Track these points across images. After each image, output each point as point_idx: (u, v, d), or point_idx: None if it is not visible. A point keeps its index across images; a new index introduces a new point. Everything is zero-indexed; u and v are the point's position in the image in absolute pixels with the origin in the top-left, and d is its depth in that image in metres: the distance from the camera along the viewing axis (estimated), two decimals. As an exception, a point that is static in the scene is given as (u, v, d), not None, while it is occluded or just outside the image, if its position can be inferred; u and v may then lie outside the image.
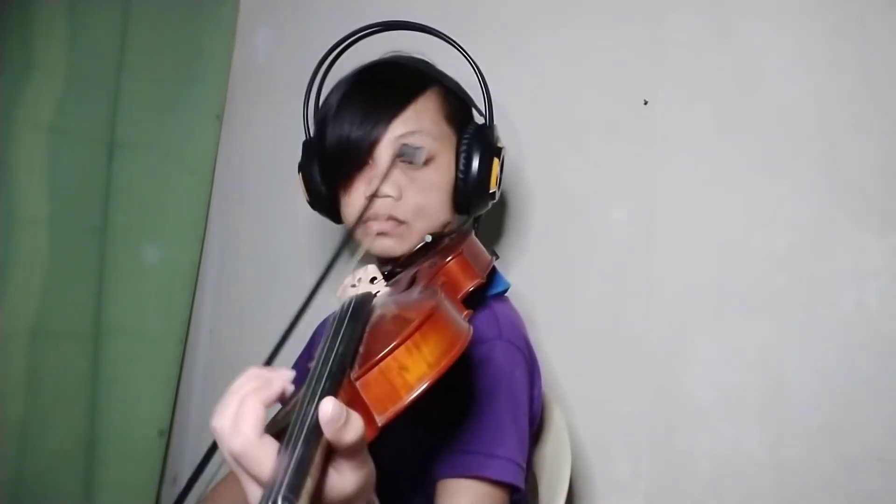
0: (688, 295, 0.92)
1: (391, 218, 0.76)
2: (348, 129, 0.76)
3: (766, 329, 0.87)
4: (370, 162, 0.77)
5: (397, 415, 0.49)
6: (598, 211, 0.99)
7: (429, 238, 0.78)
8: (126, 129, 1.24)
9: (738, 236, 0.90)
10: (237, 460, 0.42)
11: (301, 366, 0.93)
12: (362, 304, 0.59)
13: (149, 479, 1.28)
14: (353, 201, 0.80)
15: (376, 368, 0.50)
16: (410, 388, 0.49)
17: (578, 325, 0.99)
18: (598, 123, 1.01)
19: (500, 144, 0.82)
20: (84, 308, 1.20)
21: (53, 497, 1.13)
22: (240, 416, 0.42)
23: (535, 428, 0.80)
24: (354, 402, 0.49)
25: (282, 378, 0.46)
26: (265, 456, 0.41)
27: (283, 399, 0.46)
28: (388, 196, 0.76)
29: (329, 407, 0.41)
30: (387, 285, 0.67)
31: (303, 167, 0.86)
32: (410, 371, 0.50)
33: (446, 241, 0.80)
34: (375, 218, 0.77)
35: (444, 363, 0.51)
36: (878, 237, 0.82)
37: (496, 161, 0.80)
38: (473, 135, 0.80)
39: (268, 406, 0.44)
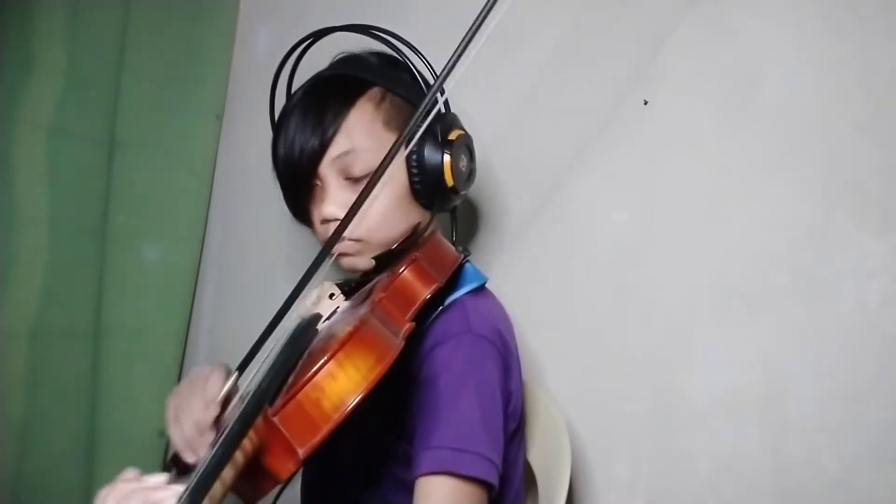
0: (688, 295, 0.92)
1: (347, 238, 0.74)
2: (287, 157, 0.77)
3: (767, 329, 0.87)
4: (317, 185, 0.78)
5: (318, 445, 0.49)
6: (599, 211, 0.99)
7: (372, 262, 0.77)
8: (126, 129, 1.24)
9: (738, 236, 0.90)
10: None
11: None
12: (303, 330, 0.59)
13: (149, 479, 1.28)
14: (315, 225, 0.80)
15: (293, 401, 0.50)
16: (328, 418, 0.49)
17: (579, 324, 0.99)
18: (598, 123, 1.01)
19: (452, 136, 0.78)
20: (84, 308, 1.20)
21: (53, 497, 1.13)
22: None
23: (518, 422, 0.79)
24: (272, 436, 0.49)
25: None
26: None
27: None
28: (338, 219, 0.73)
29: None
30: (346, 299, 0.67)
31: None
32: (327, 399, 0.49)
33: (418, 241, 0.79)
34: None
35: (365, 386, 0.50)
36: (878, 237, 0.82)
37: (447, 155, 0.76)
38: (422, 134, 0.76)
39: None
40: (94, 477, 1.20)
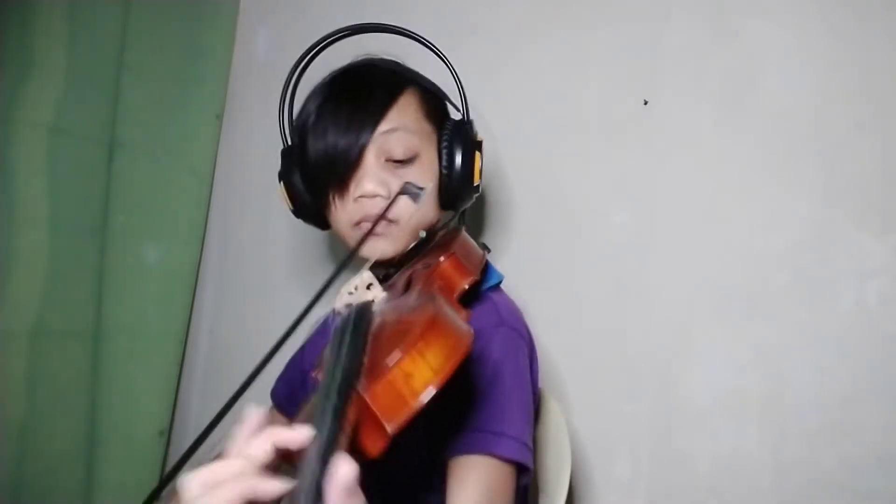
0: (688, 295, 0.92)
1: (382, 217, 0.76)
2: (333, 138, 0.77)
3: (767, 329, 0.87)
4: (360, 166, 0.78)
5: (407, 422, 0.50)
6: (599, 211, 0.99)
7: (423, 234, 0.79)
8: (126, 129, 1.24)
9: (738, 236, 0.90)
10: None
11: (293, 370, 0.93)
12: (362, 314, 0.60)
13: (149, 479, 1.27)
14: (346, 206, 0.79)
15: (383, 379, 0.51)
16: (417, 395, 0.51)
17: (579, 325, 0.99)
18: (598, 123, 1.01)
19: (478, 139, 0.84)
20: (84, 308, 1.20)
21: (53, 497, 1.13)
22: (214, 489, 0.42)
23: (534, 412, 0.81)
24: (364, 413, 0.50)
25: (277, 489, 0.44)
26: None
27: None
28: (378, 195, 0.77)
29: (344, 473, 0.41)
30: (383, 290, 0.67)
31: (284, 176, 0.85)
32: (416, 378, 0.51)
33: (438, 238, 0.81)
34: (367, 219, 0.78)
35: (449, 368, 0.52)
36: (877, 237, 0.82)
37: (478, 154, 0.82)
38: (453, 131, 0.82)
39: (244, 501, 0.43)
40: (94, 477, 1.20)
